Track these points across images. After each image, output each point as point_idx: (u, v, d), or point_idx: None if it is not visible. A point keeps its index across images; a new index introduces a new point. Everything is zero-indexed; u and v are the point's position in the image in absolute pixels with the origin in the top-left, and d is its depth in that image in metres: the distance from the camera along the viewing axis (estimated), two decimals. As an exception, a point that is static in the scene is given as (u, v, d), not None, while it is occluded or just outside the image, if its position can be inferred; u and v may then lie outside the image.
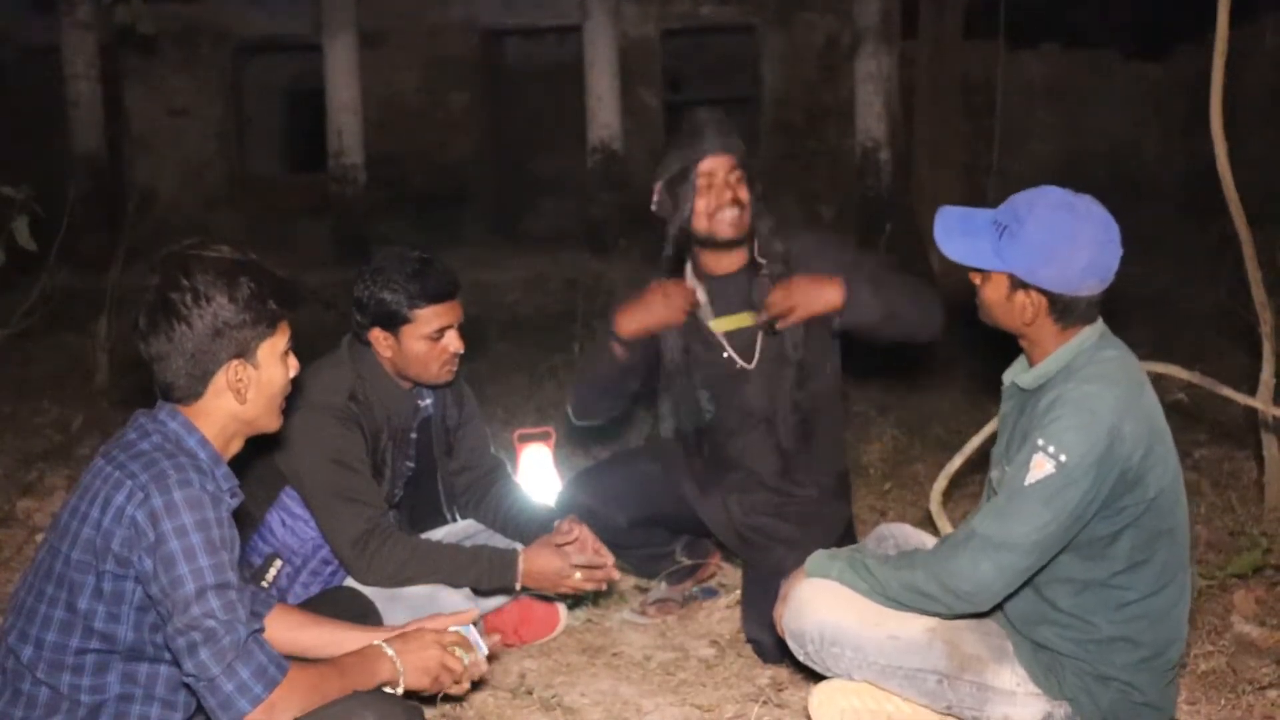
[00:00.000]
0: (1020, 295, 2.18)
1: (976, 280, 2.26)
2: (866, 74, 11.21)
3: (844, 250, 3.08)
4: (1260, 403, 3.30)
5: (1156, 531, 2.16)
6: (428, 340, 2.78)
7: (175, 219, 11.66)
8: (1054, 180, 2.33)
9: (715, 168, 2.93)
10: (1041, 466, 2.09)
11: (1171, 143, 11.65)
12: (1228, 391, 3.15)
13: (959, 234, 2.24)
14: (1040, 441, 2.10)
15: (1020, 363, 2.33)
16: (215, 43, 12.78)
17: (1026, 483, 2.10)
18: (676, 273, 3.07)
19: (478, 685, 2.65)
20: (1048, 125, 12.21)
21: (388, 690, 2.05)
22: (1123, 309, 2.24)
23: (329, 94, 11.75)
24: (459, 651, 2.14)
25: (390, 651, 2.05)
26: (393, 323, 2.77)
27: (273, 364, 2.00)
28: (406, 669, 2.05)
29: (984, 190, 7.46)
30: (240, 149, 13.16)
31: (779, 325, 2.95)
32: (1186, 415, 4.88)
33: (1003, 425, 2.33)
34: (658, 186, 3.02)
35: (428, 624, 2.19)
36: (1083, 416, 2.08)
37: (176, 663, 1.87)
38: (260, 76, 13.42)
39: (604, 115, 11.42)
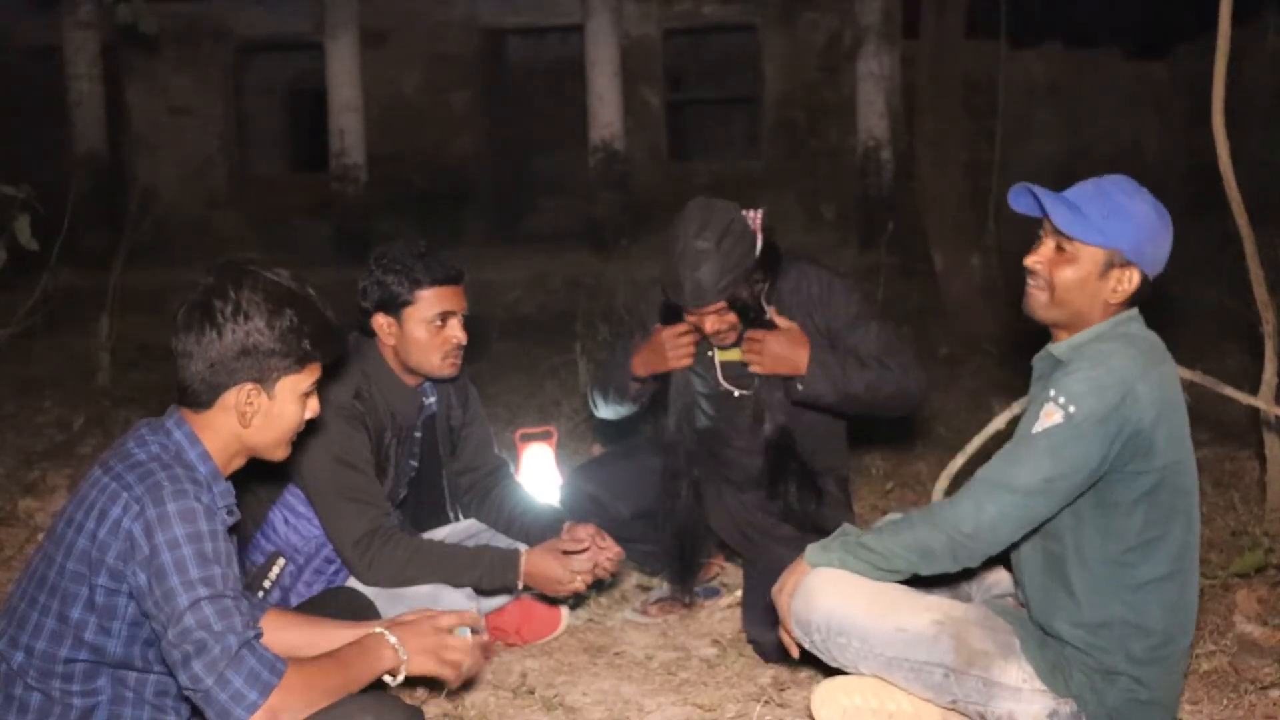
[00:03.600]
0: (1116, 273, 2.16)
1: (1040, 264, 2.19)
2: (868, 73, 11.22)
3: (846, 307, 3.09)
4: (1262, 402, 3.29)
5: (1172, 510, 2.17)
6: (430, 325, 2.78)
7: (176, 218, 11.67)
8: (1055, 180, 2.32)
9: (697, 311, 2.99)
10: (1051, 416, 2.11)
11: (1173, 142, 11.63)
12: (1229, 391, 3.15)
13: (1062, 204, 2.17)
14: (1053, 393, 2.12)
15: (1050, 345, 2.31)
16: (216, 42, 12.78)
17: (1034, 430, 2.13)
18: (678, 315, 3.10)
19: (470, 684, 2.65)
20: (1049, 124, 12.19)
21: (388, 679, 2.03)
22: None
23: (330, 93, 11.77)
24: (458, 631, 2.13)
25: (392, 639, 2.03)
26: (395, 305, 2.77)
27: (289, 400, 1.99)
28: (410, 653, 2.03)
29: (986, 190, 7.43)
30: (241, 148, 13.16)
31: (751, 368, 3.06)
32: (1188, 415, 4.87)
33: (1029, 404, 2.31)
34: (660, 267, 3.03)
35: (424, 618, 2.18)
36: (1098, 371, 2.10)
37: (172, 675, 1.86)
38: (261, 76, 13.42)
39: (606, 114, 11.43)
